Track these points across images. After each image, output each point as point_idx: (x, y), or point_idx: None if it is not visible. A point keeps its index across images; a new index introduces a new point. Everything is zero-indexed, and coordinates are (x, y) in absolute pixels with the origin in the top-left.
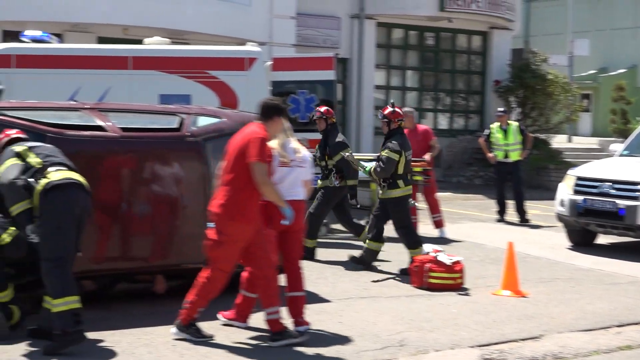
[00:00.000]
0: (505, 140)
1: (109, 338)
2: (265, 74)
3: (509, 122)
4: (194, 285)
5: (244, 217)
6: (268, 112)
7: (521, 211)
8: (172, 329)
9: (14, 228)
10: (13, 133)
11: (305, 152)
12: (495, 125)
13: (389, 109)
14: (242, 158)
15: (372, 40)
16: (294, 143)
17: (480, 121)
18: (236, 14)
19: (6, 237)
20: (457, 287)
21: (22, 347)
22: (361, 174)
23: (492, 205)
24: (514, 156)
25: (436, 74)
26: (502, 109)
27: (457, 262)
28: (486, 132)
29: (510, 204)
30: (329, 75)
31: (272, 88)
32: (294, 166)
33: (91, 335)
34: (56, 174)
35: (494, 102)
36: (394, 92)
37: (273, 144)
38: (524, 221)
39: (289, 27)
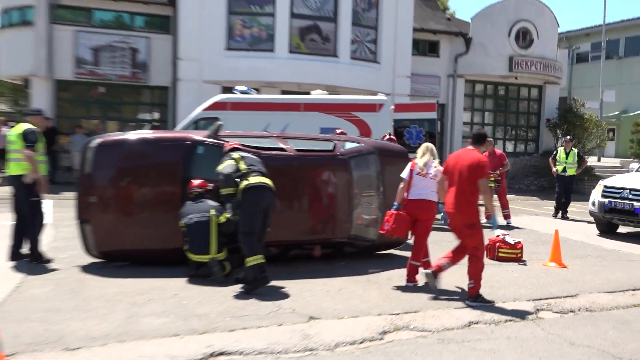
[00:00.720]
0: (566, 160)
1: (286, 285)
2: (389, 114)
3: (572, 147)
4: (467, 272)
5: (477, 210)
6: (480, 139)
7: (564, 211)
8: (467, 302)
9: (227, 213)
10: (234, 144)
11: (439, 171)
12: (561, 148)
13: (387, 137)
14: (473, 174)
15: (462, 91)
16: (435, 162)
17: (536, 147)
18: (371, 74)
19: (222, 218)
20: (518, 260)
21: (231, 289)
22: None
23: (543, 204)
24: (570, 172)
25: (505, 114)
26: (569, 137)
27: (518, 242)
28: (554, 152)
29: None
30: (432, 115)
31: (393, 124)
32: (429, 178)
33: (274, 283)
34: (253, 179)
35: (546, 134)
36: (475, 126)
37: (419, 161)
38: (564, 218)
39: (405, 83)
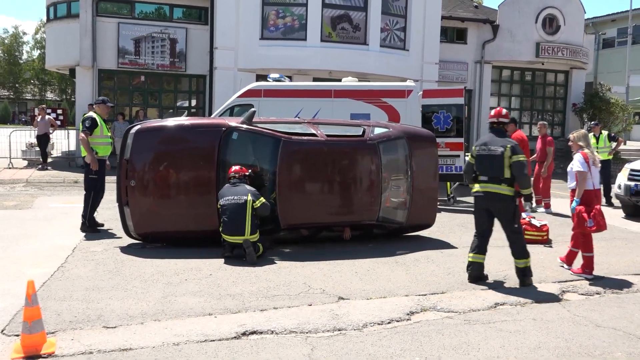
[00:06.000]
0: (596, 145)
1: (316, 266)
2: (418, 100)
3: (601, 131)
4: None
5: None
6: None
7: (608, 197)
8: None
9: (263, 198)
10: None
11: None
12: (590, 134)
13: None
14: None
15: (489, 77)
16: (595, 152)
17: (562, 130)
18: (400, 61)
19: (258, 203)
20: (544, 242)
21: (264, 269)
22: None
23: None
24: (603, 156)
25: (532, 99)
26: (595, 122)
27: (544, 225)
28: None
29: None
30: (459, 100)
31: (422, 109)
32: (595, 167)
33: (305, 263)
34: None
35: (572, 119)
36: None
37: (588, 151)
38: (609, 204)
39: (433, 69)
